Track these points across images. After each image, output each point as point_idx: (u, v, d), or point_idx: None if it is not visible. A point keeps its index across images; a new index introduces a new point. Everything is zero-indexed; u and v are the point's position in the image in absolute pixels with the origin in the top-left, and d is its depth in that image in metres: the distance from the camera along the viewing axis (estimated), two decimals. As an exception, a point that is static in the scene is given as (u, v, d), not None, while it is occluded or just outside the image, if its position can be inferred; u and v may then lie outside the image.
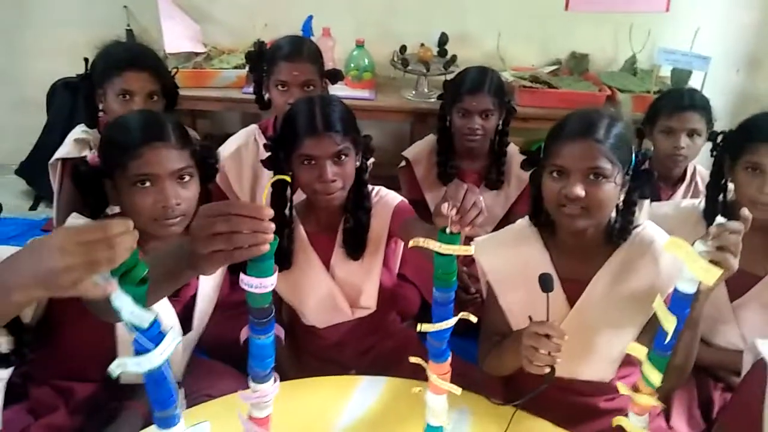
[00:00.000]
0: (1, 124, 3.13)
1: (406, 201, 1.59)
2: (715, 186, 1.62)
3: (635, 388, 1.11)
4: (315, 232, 1.56)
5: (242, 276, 0.83)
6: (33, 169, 2.91)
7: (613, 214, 1.33)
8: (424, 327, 1.02)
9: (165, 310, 1.37)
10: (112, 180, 1.32)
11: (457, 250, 0.95)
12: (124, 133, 1.32)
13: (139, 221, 1.30)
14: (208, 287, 1.48)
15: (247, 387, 1.33)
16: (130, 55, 1.81)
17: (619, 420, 1.14)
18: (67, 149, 1.85)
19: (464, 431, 1.21)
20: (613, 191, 1.25)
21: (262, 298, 0.87)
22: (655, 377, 1.05)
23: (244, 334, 0.92)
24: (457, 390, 1.06)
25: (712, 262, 0.96)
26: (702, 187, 2.05)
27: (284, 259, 1.50)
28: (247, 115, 2.92)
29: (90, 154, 1.38)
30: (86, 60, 1.86)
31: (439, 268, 0.98)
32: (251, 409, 0.99)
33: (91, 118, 1.88)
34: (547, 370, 1.14)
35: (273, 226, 0.80)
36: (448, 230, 0.95)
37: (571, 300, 1.34)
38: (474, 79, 2.08)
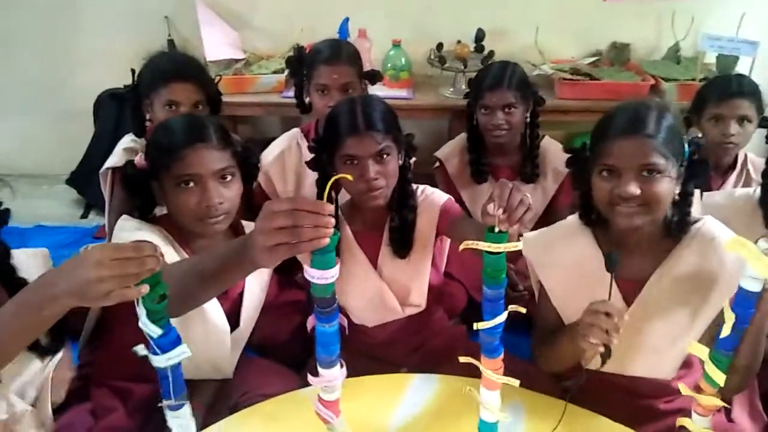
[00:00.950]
0: (50, 135, 3.22)
1: (452, 199, 1.59)
2: (771, 173, 1.57)
3: (697, 389, 1.08)
4: (361, 231, 1.56)
5: (306, 268, 0.89)
6: (83, 179, 2.99)
7: (670, 209, 1.29)
8: (479, 325, 1.02)
9: (213, 308, 1.40)
10: (159, 181, 1.38)
11: (506, 247, 0.96)
12: (168, 136, 1.39)
13: (184, 221, 1.37)
14: (255, 285, 1.51)
15: (300, 386, 1.35)
16: (175, 67, 1.86)
17: (682, 421, 1.12)
18: (116, 158, 1.90)
19: (519, 426, 1.20)
20: (669, 186, 1.22)
21: (325, 288, 0.92)
22: (719, 377, 1.03)
23: (311, 323, 0.97)
24: (516, 382, 1.05)
25: None
26: (754, 175, 1.99)
27: None
28: (287, 119, 2.95)
29: (137, 158, 1.43)
30: (133, 71, 1.91)
31: (488, 267, 0.99)
32: (321, 392, 1.05)
33: (139, 128, 1.93)
34: (602, 349, 1.11)
35: (333, 221, 0.85)
36: (496, 229, 0.96)
37: (627, 299, 1.31)
38: (494, 74, 2.06)
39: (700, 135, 2.04)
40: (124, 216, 1.42)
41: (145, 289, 0.82)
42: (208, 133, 1.36)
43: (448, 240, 1.64)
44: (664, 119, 1.22)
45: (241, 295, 1.49)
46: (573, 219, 1.41)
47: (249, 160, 1.46)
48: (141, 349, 0.89)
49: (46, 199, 3.12)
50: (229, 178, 1.38)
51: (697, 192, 1.62)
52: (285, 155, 2.06)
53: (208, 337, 1.40)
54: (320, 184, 1.52)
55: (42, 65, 3.10)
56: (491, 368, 1.06)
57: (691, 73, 2.68)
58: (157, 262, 0.82)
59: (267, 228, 0.84)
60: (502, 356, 1.06)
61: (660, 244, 1.31)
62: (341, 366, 1.01)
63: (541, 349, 1.39)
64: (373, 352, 1.63)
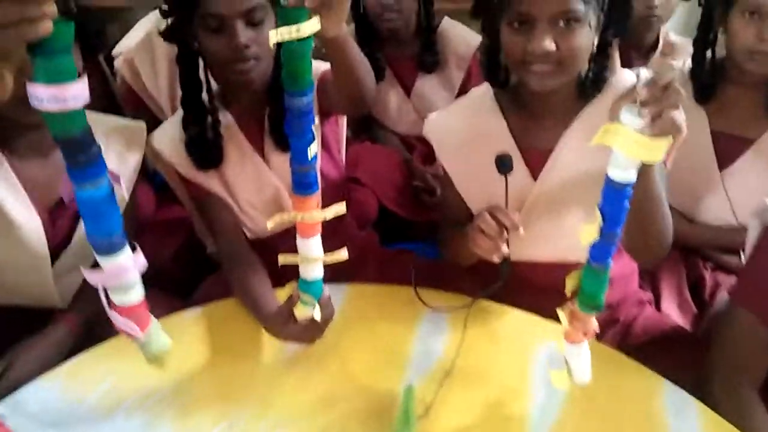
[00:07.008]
0: None
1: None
2: (703, 41, 1.43)
3: (571, 315, 0.84)
4: (240, 119, 1.27)
5: (29, 88, 0.57)
6: None
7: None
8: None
9: (29, 224, 1.11)
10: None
11: (304, 27, 0.73)
12: None
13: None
14: None
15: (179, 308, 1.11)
16: None
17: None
18: None
19: (443, 330, 1.10)
20: (588, 37, 1.01)
21: (67, 120, 0.58)
22: (596, 298, 0.81)
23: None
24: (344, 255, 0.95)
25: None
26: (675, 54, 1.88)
27: (213, 151, 1.23)
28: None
29: None
30: None
31: (287, 65, 0.77)
32: (110, 293, 0.72)
33: None
34: (497, 259, 0.98)
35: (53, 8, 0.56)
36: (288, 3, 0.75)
37: (535, 173, 1.14)
38: None
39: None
40: None
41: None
42: None
43: (343, 124, 1.42)
44: None
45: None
46: (476, 90, 1.22)
47: None
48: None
49: None
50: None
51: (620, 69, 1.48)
52: (153, 39, 1.67)
53: (18, 259, 1.12)
54: (180, 60, 1.20)
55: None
56: (305, 208, 0.88)
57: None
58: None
59: None
60: (317, 195, 0.89)
61: (572, 108, 1.12)
62: (134, 249, 0.71)
63: (444, 244, 1.25)
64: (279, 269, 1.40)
